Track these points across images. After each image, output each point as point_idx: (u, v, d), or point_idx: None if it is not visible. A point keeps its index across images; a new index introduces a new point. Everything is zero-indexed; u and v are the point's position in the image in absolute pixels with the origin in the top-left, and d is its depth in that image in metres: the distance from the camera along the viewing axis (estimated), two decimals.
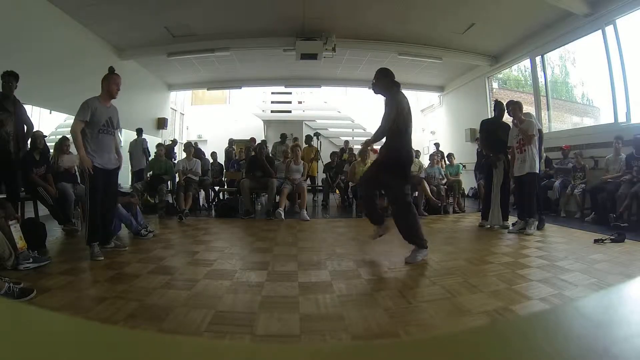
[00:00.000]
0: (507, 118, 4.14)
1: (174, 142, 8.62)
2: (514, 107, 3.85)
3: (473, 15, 5.66)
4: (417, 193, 5.59)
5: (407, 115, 2.67)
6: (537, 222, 3.86)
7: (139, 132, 6.95)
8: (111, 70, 2.91)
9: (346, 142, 7.95)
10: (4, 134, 3.34)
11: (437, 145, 8.13)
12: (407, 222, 2.66)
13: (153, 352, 0.38)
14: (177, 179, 5.44)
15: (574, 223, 4.41)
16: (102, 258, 2.63)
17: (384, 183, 2.76)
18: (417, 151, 6.35)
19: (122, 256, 2.78)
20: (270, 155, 6.14)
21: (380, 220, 2.92)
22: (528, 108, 5.39)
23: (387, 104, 2.65)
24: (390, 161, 2.66)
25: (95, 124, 2.75)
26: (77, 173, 4.04)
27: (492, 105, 4.36)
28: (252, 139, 7.15)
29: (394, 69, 2.83)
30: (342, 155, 7.12)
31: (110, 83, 2.86)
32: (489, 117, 4.35)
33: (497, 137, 4.08)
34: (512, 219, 4.14)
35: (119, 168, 3.03)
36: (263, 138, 9.79)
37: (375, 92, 2.82)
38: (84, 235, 3.59)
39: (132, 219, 3.43)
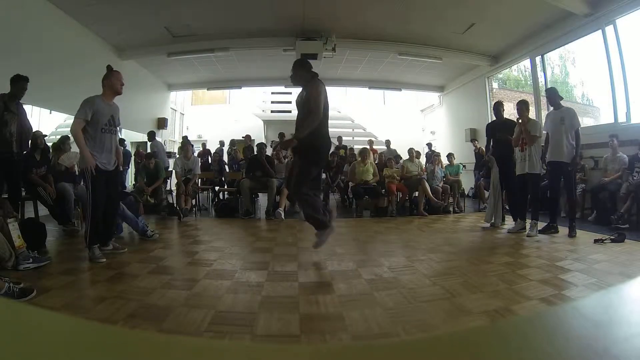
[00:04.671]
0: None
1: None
2: (521, 106, 3.88)
3: (473, 15, 5.66)
4: (417, 193, 5.60)
5: (327, 105, 2.66)
6: (539, 225, 3.70)
7: (152, 135, 7.36)
8: (110, 68, 2.85)
9: (339, 137, 7.97)
10: (7, 135, 3.34)
11: (429, 145, 8.15)
12: (312, 206, 2.61)
13: (153, 352, 0.38)
14: (176, 179, 5.39)
15: None
16: (104, 260, 2.58)
17: (295, 170, 2.67)
18: (417, 152, 6.34)
19: (122, 256, 2.78)
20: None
21: (324, 223, 2.69)
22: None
23: (311, 92, 2.59)
24: (312, 149, 2.61)
25: (97, 123, 2.68)
26: (77, 172, 4.02)
27: (492, 108, 4.46)
28: (247, 136, 7.05)
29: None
30: (340, 152, 7.12)
31: (113, 80, 2.79)
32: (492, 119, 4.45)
33: (495, 137, 4.19)
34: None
35: (119, 168, 2.99)
36: (263, 139, 9.79)
37: (295, 84, 2.78)
38: (84, 235, 3.58)
39: (137, 220, 3.42)
